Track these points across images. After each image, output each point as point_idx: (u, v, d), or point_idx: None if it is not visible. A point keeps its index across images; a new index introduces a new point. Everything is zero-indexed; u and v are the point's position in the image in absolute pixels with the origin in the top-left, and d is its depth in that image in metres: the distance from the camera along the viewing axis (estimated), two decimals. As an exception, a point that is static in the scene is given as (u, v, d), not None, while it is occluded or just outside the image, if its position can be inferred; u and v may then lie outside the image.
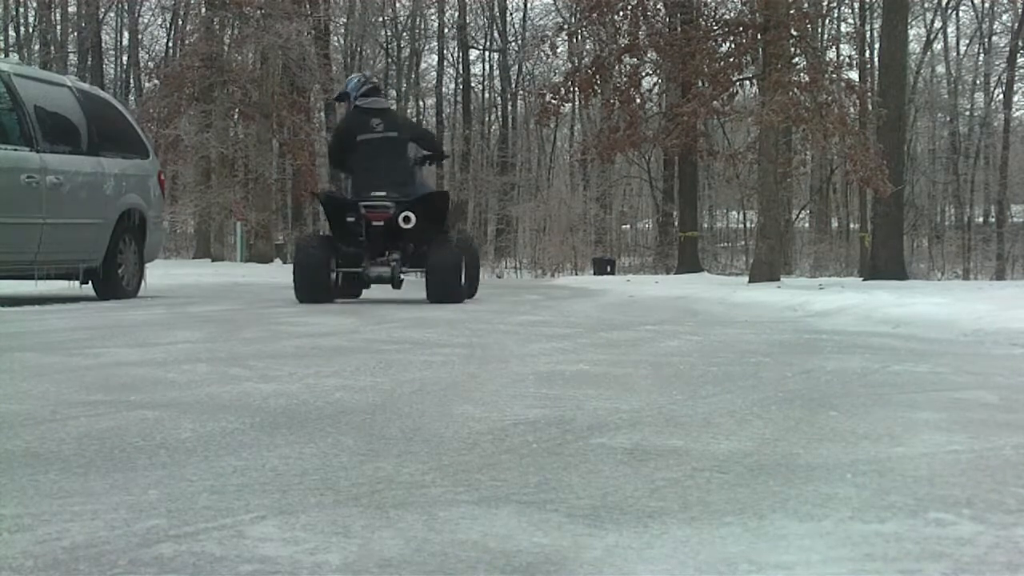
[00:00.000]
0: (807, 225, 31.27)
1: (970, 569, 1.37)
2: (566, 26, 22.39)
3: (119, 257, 8.88)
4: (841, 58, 19.53)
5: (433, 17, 34.96)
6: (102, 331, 5.22)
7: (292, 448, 2.10)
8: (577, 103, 23.12)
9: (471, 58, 35.74)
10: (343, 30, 31.41)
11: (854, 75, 21.61)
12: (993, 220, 31.39)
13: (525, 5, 38.87)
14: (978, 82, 32.92)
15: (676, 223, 24.56)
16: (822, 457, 2.08)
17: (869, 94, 17.12)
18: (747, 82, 18.00)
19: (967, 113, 32.88)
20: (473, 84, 36.12)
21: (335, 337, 4.99)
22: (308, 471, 1.89)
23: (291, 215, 30.23)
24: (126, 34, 34.85)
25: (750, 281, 14.35)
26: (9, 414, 2.50)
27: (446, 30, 35.09)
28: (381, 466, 1.94)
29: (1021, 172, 32.83)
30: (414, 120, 28.09)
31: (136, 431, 2.28)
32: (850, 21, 28.49)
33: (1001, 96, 31.35)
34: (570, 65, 21.70)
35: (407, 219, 8.17)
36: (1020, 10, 28.72)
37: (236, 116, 25.94)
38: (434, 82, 35.88)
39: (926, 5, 30.09)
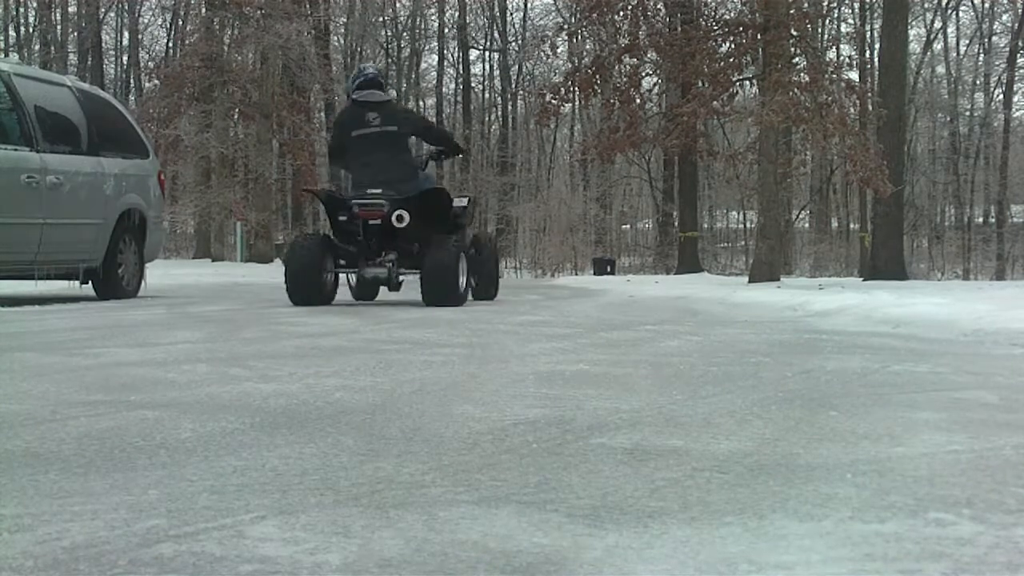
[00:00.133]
0: (807, 225, 31.26)
1: (970, 569, 1.37)
2: (566, 26, 22.36)
3: (119, 257, 8.87)
4: (841, 58, 19.56)
5: (433, 17, 34.98)
6: (102, 331, 5.22)
7: (292, 448, 2.10)
8: (577, 103, 23.08)
9: (471, 58, 35.76)
10: (343, 30, 31.39)
11: (854, 75, 21.63)
12: (993, 220, 31.38)
13: (525, 5, 38.98)
14: (978, 82, 32.93)
15: (676, 223, 24.54)
16: (822, 457, 2.08)
17: (869, 94, 17.10)
18: (747, 82, 17.99)
19: (967, 113, 32.88)
20: (473, 84, 36.13)
21: (335, 337, 4.98)
22: (308, 471, 1.89)
23: (291, 215, 30.22)
24: (126, 34, 34.90)
25: (750, 281, 14.33)
26: (9, 414, 2.50)
27: (446, 30, 35.10)
28: (381, 466, 1.94)
29: (1021, 172, 32.84)
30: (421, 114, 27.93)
31: (136, 431, 2.28)
32: (850, 21, 28.53)
33: (1001, 96, 31.36)
34: (570, 65, 21.67)
35: (400, 218, 7.86)
36: (1020, 10, 28.72)
37: (236, 116, 25.93)
38: (434, 82, 35.87)
39: (926, 5, 30.09)
